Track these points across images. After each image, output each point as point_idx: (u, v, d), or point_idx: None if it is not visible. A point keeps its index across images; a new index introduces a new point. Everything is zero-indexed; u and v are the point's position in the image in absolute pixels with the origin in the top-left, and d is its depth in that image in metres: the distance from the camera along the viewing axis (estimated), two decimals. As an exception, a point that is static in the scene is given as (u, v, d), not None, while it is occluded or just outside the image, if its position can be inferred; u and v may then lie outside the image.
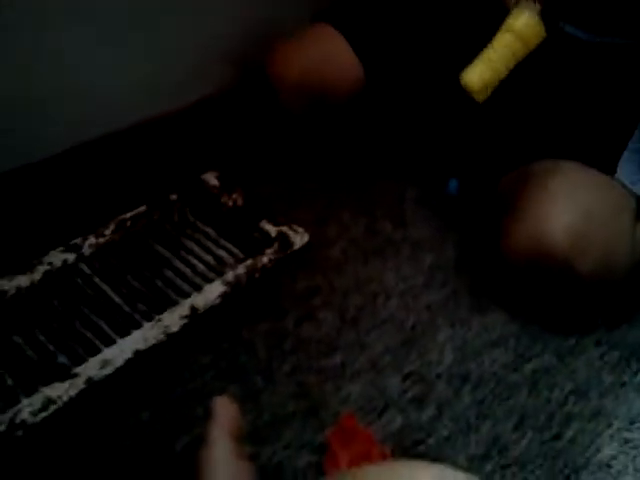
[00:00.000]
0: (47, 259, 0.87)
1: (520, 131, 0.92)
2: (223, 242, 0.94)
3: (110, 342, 0.79)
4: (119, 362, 0.76)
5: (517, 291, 0.88)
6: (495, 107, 0.95)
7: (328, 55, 0.99)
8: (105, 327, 0.81)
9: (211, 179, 1.01)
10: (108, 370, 0.75)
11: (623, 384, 0.79)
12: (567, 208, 0.79)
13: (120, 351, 0.77)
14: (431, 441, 0.73)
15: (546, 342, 0.84)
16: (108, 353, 0.77)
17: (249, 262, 0.89)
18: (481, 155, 0.97)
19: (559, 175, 0.84)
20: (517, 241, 0.81)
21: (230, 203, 0.98)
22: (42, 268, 0.86)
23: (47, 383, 0.74)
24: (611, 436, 0.74)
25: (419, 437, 0.73)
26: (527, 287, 0.85)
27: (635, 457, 0.73)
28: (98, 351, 0.78)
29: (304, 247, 0.92)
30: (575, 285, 0.81)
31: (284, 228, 0.94)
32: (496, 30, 0.85)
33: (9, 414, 0.71)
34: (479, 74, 0.83)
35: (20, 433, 0.70)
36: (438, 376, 0.79)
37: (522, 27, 0.81)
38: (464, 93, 0.85)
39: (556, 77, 0.92)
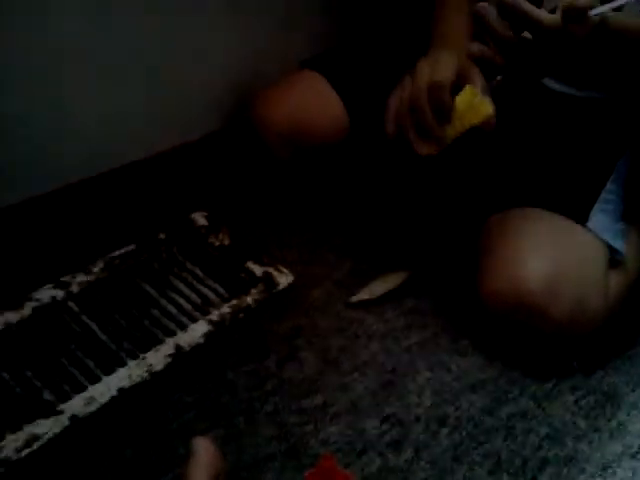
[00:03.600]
0: (36, 295, 0.88)
1: (496, 179, 0.95)
2: (209, 281, 0.96)
3: (95, 379, 0.80)
4: (104, 399, 0.77)
5: (495, 335, 0.90)
6: (474, 155, 0.99)
7: (313, 101, 1.02)
8: (91, 364, 0.82)
9: (199, 219, 1.04)
10: (93, 407, 0.76)
11: (597, 429, 0.81)
12: (541, 255, 0.82)
13: (105, 389, 0.78)
14: (408, 484, 0.74)
15: (523, 386, 0.86)
16: (93, 390, 0.78)
17: (234, 302, 0.91)
18: (460, 203, 1.00)
19: (533, 222, 0.87)
20: (493, 287, 0.83)
21: (217, 243, 1.00)
22: (31, 304, 0.87)
23: (32, 420, 0.75)
24: (584, 482, 0.75)
25: (396, 480, 0.74)
26: (505, 331, 0.87)
27: (608, 503, 0.74)
28: (83, 388, 0.79)
29: (289, 287, 0.94)
30: (550, 330, 0.83)
31: (269, 268, 0.96)
32: None
33: (-8, 451, 0.72)
34: None
35: (2, 470, 0.70)
36: (417, 419, 0.81)
37: (459, 104, 0.77)
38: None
39: (533, 126, 0.96)
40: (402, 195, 1.07)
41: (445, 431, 0.80)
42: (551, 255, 0.81)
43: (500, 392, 0.85)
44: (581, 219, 0.87)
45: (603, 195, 0.89)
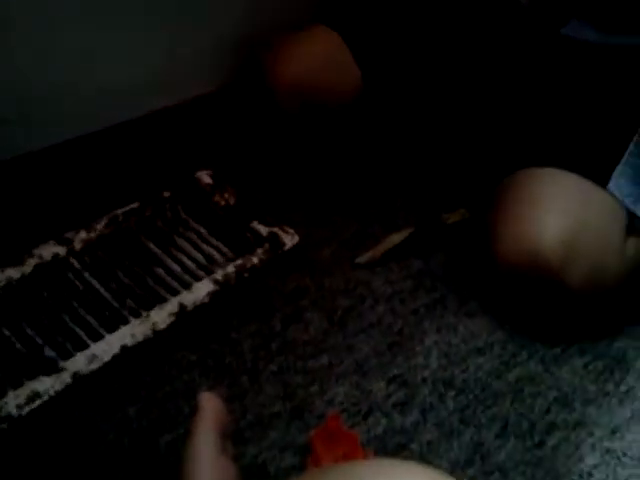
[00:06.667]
0: (38, 252, 0.87)
1: (515, 136, 0.93)
2: (214, 241, 0.94)
3: (98, 337, 0.79)
4: (106, 357, 0.76)
5: (505, 298, 0.88)
6: (492, 113, 0.96)
7: (325, 57, 1.00)
8: (93, 322, 0.81)
9: (204, 177, 1.01)
10: (95, 365, 0.75)
11: (606, 394, 0.80)
12: (559, 218, 0.80)
13: (107, 347, 0.77)
14: (414, 446, 0.73)
15: (532, 350, 0.85)
16: (96, 348, 0.77)
17: (239, 261, 0.89)
18: (474, 162, 0.97)
19: (552, 184, 0.84)
20: (507, 247, 0.81)
21: (222, 202, 0.98)
22: (33, 261, 0.86)
23: (34, 376, 0.74)
24: (593, 445, 0.75)
25: (402, 441, 0.74)
26: (516, 295, 0.86)
27: (616, 467, 0.73)
28: (86, 346, 0.78)
29: (294, 248, 0.92)
30: (565, 295, 0.81)
31: (275, 229, 0.94)
32: (496, 37, 0.85)
33: (-6, 406, 0.71)
34: None
35: (5, 426, 0.70)
36: (423, 381, 0.80)
37: None
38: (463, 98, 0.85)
39: (554, 81, 0.92)
40: (413, 155, 1.05)
41: (452, 393, 0.79)
42: (568, 217, 0.79)
43: (508, 355, 0.84)
44: (601, 181, 0.84)
45: (625, 157, 0.87)
